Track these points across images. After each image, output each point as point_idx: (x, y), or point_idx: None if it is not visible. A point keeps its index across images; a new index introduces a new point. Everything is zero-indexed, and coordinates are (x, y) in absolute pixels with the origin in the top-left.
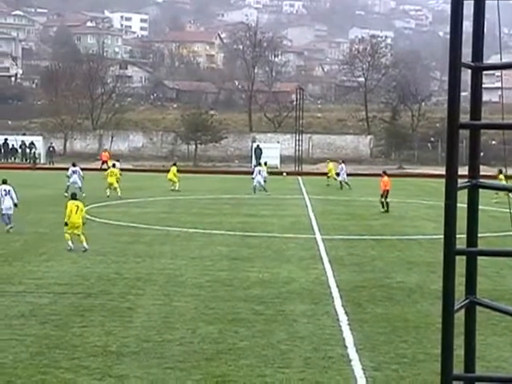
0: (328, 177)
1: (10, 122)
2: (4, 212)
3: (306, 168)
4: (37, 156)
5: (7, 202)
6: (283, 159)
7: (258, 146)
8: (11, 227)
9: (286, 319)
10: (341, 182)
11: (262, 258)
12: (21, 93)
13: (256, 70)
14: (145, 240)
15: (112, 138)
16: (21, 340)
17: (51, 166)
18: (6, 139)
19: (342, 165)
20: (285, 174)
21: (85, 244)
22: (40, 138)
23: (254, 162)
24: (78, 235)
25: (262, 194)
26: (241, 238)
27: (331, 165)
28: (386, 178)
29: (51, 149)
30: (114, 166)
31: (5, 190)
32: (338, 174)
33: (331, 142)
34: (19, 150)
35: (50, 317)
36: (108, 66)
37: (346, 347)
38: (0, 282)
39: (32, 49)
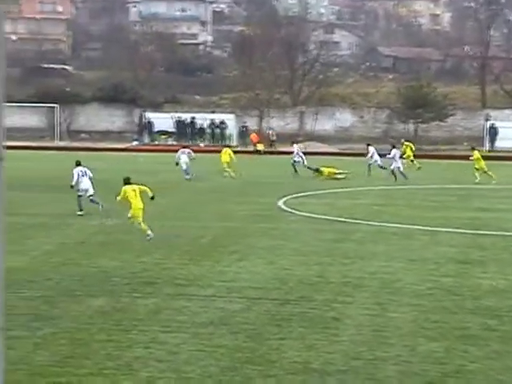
0: None
1: (197, 98)
2: (81, 194)
3: None
4: (227, 137)
5: (85, 183)
6: None
7: (492, 125)
8: (102, 205)
9: None
10: None
11: (496, 261)
12: (210, 63)
13: (491, 32)
14: (354, 237)
15: (315, 115)
16: (209, 352)
17: (245, 148)
18: (193, 118)
19: None
20: None
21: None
22: (232, 116)
23: (487, 144)
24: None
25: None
26: (471, 238)
27: None
28: None
29: (244, 129)
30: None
31: (81, 171)
32: None
33: None
34: (208, 131)
35: (243, 326)
36: (311, 30)
37: None
38: (187, 284)
39: (224, 12)
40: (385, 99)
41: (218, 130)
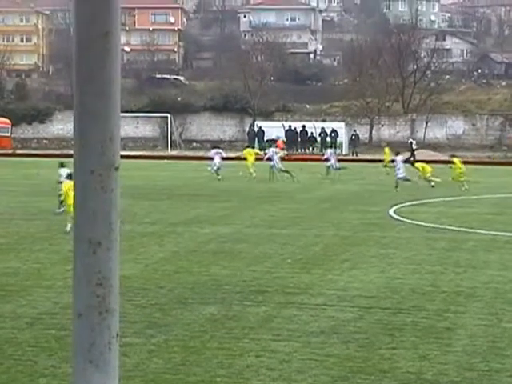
0: None
1: (308, 106)
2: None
3: None
4: (338, 145)
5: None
6: None
7: None
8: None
9: None
10: None
11: None
12: (320, 72)
13: None
14: (467, 246)
15: (426, 123)
16: (321, 361)
17: (354, 157)
18: (303, 126)
19: None
20: None
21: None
22: (342, 124)
23: None
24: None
25: None
26: None
27: None
28: None
29: (354, 137)
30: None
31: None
32: None
33: None
34: (318, 139)
35: (354, 335)
36: (422, 37)
37: None
38: (298, 292)
39: (333, 20)
40: (498, 106)
41: (328, 139)
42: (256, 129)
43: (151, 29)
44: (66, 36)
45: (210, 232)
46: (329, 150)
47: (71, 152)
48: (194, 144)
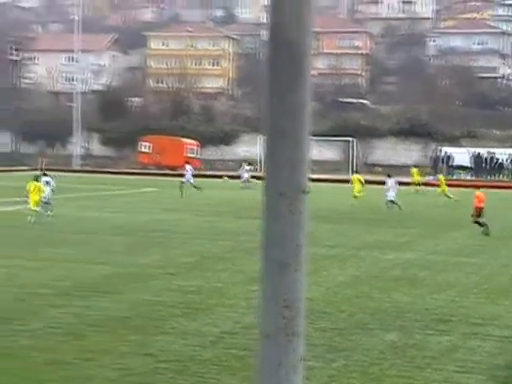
0: None
1: (496, 132)
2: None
3: None
4: None
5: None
6: None
7: None
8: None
9: None
10: None
11: None
12: (510, 96)
13: None
14: None
15: None
16: None
17: None
18: (491, 153)
19: None
20: None
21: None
22: None
23: None
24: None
25: None
26: None
27: None
28: None
29: None
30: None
31: (46, 181)
32: None
33: None
34: (508, 166)
35: None
36: None
37: None
38: (483, 323)
39: None
40: None
41: None
42: (442, 154)
43: (337, 53)
44: (253, 60)
45: (392, 258)
46: None
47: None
48: (376, 168)
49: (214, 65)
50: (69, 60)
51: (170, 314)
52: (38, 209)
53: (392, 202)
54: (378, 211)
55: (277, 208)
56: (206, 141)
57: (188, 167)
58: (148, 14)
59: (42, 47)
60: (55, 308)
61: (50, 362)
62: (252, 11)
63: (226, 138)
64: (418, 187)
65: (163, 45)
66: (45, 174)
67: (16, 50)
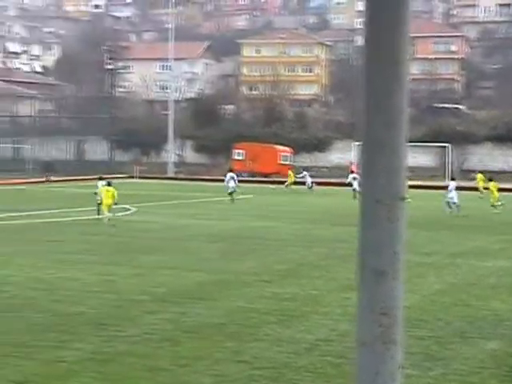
0: None
1: None
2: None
3: None
4: None
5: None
6: None
7: None
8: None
9: None
10: None
11: None
12: None
13: None
14: None
15: None
16: None
17: None
18: None
19: None
20: None
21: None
22: None
23: None
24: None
25: None
26: None
27: None
28: None
29: None
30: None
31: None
32: None
33: None
34: None
35: None
36: None
37: None
38: None
39: None
40: None
41: None
42: None
43: (432, 57)
44: (347, 66)
45: (490, 265)
46: None
47: (346, 181)
48: (473, 175)
49: (306, 71)
50: (163, 68)
51: (264, 321)
52: (109, 214)
53: (455, 204)
54: (473, 218)
55: (374, 215)
56: (299, 147)
57: (230, 175)
58: (241, 22)
59: (136, 56)
60: (151, 314)
61: (147, 368)
62: (346, 17)
63: (320, 145)
64: (482, 194)
65: (256, 52)
66: (100, 178)
67: (111, 59)
